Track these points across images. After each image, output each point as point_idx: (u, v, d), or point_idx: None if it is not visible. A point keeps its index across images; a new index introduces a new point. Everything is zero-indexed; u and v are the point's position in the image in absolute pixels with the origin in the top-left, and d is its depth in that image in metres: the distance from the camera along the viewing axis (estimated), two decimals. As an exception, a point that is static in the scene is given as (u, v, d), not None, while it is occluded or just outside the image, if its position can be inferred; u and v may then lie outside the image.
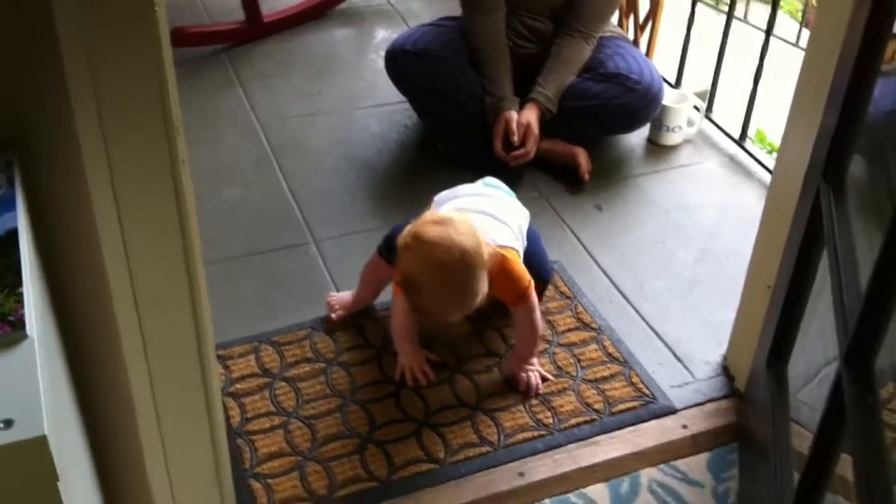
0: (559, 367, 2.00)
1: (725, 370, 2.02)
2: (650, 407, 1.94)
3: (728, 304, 2.03)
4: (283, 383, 1.94)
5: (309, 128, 2.78)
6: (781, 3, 3.05)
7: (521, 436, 1.86)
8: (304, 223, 2.40)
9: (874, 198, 1.40)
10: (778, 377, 1.72)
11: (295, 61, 3.11)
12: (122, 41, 1.03)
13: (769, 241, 1.80)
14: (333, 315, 2.08)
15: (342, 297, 2.11)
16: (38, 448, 0.79)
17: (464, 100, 2.55)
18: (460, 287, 1.76)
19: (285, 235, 2.35)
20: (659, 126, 2.71)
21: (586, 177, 2.57)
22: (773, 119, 2.65)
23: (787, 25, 3.74)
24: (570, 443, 1.86)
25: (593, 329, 2.10)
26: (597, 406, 1.93)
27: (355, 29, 3.34)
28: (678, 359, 2.06)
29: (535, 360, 1.97)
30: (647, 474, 1.83)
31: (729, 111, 2.83)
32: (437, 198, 2.02)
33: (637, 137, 2.76)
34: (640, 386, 1.97)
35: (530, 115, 2.50)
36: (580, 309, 2.15)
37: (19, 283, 0.90)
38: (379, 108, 2.86)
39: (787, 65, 2.59)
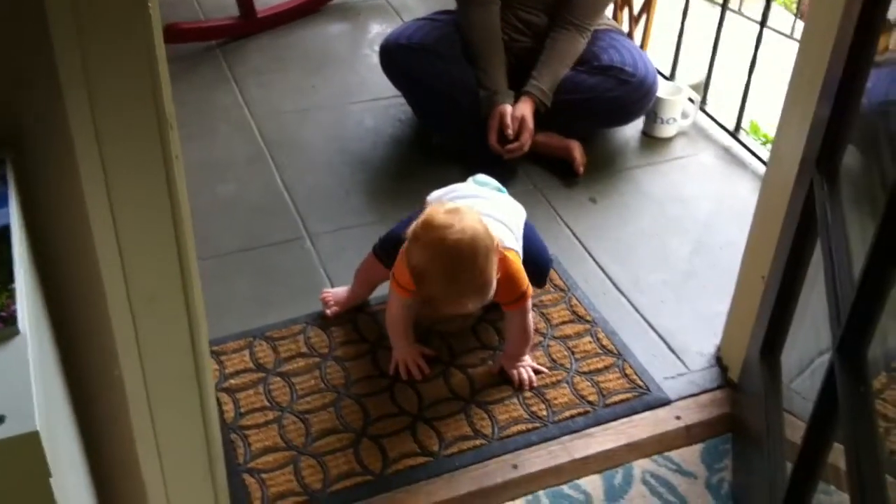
0: (553, 360, 2.01)
1: (719, 361, 2.03)
2: (644, 398, 1.94)
3: (722, 295, 2.03)
4: (278, 378, 1.94)
5: (303, 123, 2.78)
6: (775, -5, 3.05)
7: (515, 428, 1.86)
8: (298, 218, 2.39)
9: (867, 188, 1.40)
10: (771, 368, 1.73)
11: (289, 57, 3.10)
12: (115, 38, 1.03)
13: (763, 232, 1.81)
14: (328, 311, 2.08)
15: (337, 292, 2.11)
16: (29, 444, 0.79)
17: (458, 94, 2.55)
18: (473, 269, 1.72)
19: (279, 231, 2.35)
20: (653, 118, 2.71)
21: (581, 170, 2.57)
22: (767, 111, 2.66)
23: (781, 17, 3.74)
24: (564, 435, 1.86)
25: (587, 321, 2.10)
26: (591, 398, 1.93)
27: (349, 24, 3.34)
28: (672, 350, 2.06)
29: (526, 357, 1.97)
30: (641, 465, 1.83)
31: (723, 103, 2.83)
32: (430, 197, 2.02)
33: (632, 130, 2.77)
34: (634, 377, 1.98)
35: (525, 109, 2.50)
36: (574, 301, 2.15)
37: (11, 279, 0.90)
38: (373, 103, 2.86)
39: (781, 56, 2.59)
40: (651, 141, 2.74)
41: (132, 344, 1.22)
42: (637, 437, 1.87)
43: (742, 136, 2.73)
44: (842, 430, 1.21)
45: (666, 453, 1.86)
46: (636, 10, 2.98)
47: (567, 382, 1.96)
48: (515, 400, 1.92)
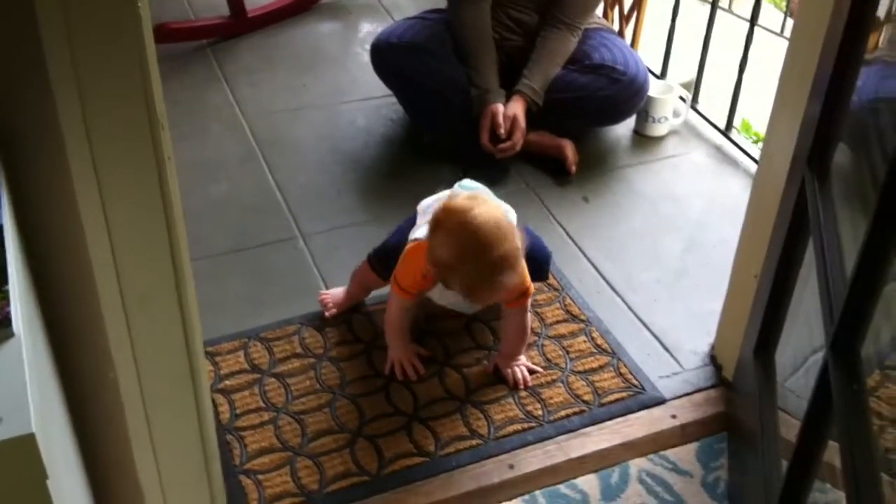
0: (548, 359, 2.01)
1: (713, 360, 2.03)
2: (639, 397, 1.94)
3: (715, 293, 2.04)
4: (273, 379, 1.94)
5: (295, 122, 2.77)
6: (765, -7, 3.06)
7: (511, 428, 1.86)
8: (291, 218, 2.39)
9: (859, 186, 1.40)
10: (765, 366, 1.73)
11: (280, 56, 3.10)
12: (106, 38, 1.02)
13: (755, 230, 1.81)
14: (327, 313, 2.07)
15: (335, 294, 2.10)
16: (26, 446, 0.79)
17: (450, 92, 2.54)
18: (504, 243, 1.71)
19: (272, 230, 2.35)
20: (645, 117, 2.72)
21: (573, 168, 2.57)
22: (758, 109, 2.66)
23: (771, 15, 3.75)
24: (560, 434, 1.86)
25: (581, 321, 2.11)
26: (586, 397, 1.93)
27: (340, 23, 3.33)
28: (666, 349, 2.07)
29: (521, 357, 1.97)
30: (637, 464, 1.83)
31: (714, 101, 2.84)
32: (421, 206, 1.99)
33: (623, 129, 2.77)
34: (629, 377, 1.98)
35: (516, 108, 2.50)
36: (568, 301, 2.15)
37: (5, 280, 0.90)
38: (365, 102, 2.85)
39: (771, 55, 2.59)
40: (643, 140, 2.74)
41: (126, 345, 1.21)
42: (633, 436, 1.87)
43: (733, 134, 2.74)
44: (836, 427, 1.21)
45: (661, 452, 1.86)
46: (626, 8, 2.98)
47: (562, 382, 1.96)
48: (511, 400, 1.92)
